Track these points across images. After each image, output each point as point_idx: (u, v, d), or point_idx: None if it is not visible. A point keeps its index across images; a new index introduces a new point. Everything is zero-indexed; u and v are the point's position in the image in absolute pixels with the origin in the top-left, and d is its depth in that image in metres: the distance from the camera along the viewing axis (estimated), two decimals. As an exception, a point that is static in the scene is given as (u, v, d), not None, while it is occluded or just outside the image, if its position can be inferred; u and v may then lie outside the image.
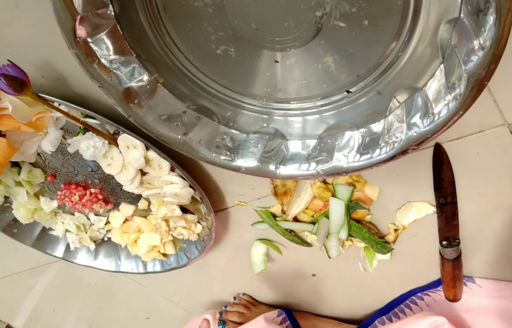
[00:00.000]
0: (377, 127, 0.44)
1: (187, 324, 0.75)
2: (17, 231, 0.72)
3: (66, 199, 0.63)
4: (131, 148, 0.54)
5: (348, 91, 0.44)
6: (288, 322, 0.70)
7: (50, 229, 0.73)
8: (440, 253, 0.60)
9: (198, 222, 0.64)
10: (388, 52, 0.39)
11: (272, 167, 0.48)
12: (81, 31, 0.39)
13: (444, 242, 0.58)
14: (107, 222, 0.70)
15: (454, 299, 0.61)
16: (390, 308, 0.69)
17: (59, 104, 0.50)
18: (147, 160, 0.55)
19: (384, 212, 0.60)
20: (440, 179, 0.54)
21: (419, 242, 0.61)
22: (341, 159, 0.45)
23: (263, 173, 0.48)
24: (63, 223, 0.71)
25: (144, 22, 0.41)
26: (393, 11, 0.36)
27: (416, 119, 0.40)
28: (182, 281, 0.80)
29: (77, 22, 0.38)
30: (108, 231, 0.72)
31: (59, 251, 0.75)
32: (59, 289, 0.91)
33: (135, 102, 0.45)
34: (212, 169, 0.61)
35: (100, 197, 0.64)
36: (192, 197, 0.61)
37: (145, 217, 0.67)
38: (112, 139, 0.55)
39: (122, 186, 0.59)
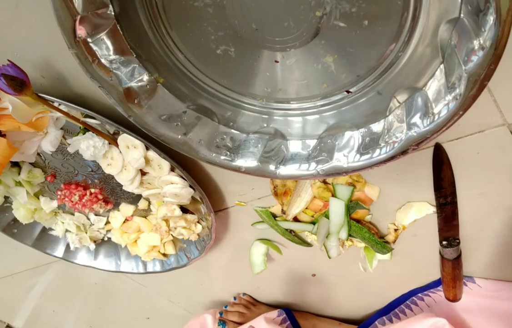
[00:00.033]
0: (377, 127, 0.44)
1: (187, 324, 0.75)
2: (17, 231, 0.72)
3: (66, 199, 0.63)
4: (131, 148, 0.54)
5: (348, 91, 0.44)
6: (288, 322, 0.70)
7: (50, 229, 0.73)
8: (440, 253, 0.60)
9: (198, 222, 0.64)
10: (388, 52, 0.39)
11: (272, 167, 0.48)
12: (81, 31, 0.39)
13: (444, 242, 0.58)
14: (107, 222, 0.70)
15: (454, 299, 0.61)
16: (391, 309, 0.69)
17: (59, 104, 0.50)
18: (147, 161, 0.55)
19: (384, 212, 0.60)
20: (440, 179, 0.54)
21: (419, 242, 0.61)
22: (341, 159, 0.45)
23: (263, 173, 0.48)
24: (63, 223, 0.71)
25: (144, 22, 0.41)
26: (393, 11, 0.36)
27: (416, 119, 0.40)
28: (182, 281, 0.80)
29: (77, 22, 0.38)
30: (108, 231, 0.72)
31: (59, 251, 0.75)
32: (59, 289, 0.91)
33: (135, 102, 0.45)
34: (212, 169, 0.61)
35: (100, 197, 0.64)
36: (192, 197, 0.61)
37: (145, 217, 0.67)
38: (112, 139, 0.55)
39: (122, 186, 0.59)
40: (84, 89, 0.53)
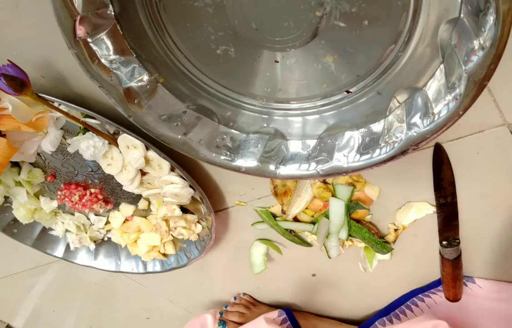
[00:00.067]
0: (377, 127, 0.44)
1: (187, 324, 0.75)
2: (17, 231, 0.72)
3: (66, 199, 0.63)
4: (131, 148, 0.54)
5: (348, 91, 0.44)
6: (289, 322, 0.70)
7: (50, 229, 0.73)
8: (440, 253, 0.60)
9: (198, 222, 0.64)
10: (388, 52, 0.39)
11: (272, 167, 0.48)
12: (81, 31, 0.39)
13: (444, 242, 0.58)
14: (107, 222, 0.70)
15: (454, 299, 0.61)
16: (391, 309, 0.69)
17: (59, 104, 0.50)
18: (147, 161, 0.55)
19: (384, 212, 0.60)
20: (440, 179, 0.54)
21: (419, 242, 0.61)
22: (341, 159, 0.45)
23: (263, 173, 0.48)
24: (63, 223, 0.71)
25: (144, 22, 0.41)
26: (393, 11, 0.36)
27: (416, 119, 0.40)
28: (182, 281, 0.80)
29: (77, 22, 0.38)
30: (108, 231, 0.72)
31: (59, 251, 0.75)
32: (59, 289, 0.91)
33: (135, 102, 0.45)
34: (212, 169, 0.61)
35: (100, 197, 0.64)
36: (192, 197, 0.61)
37: (145, 217, 0.67)
38: (112, 139, 0.55)
39: (122, 186, 0.59)
40: (84, 89, 0.53)
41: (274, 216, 0.63)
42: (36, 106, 0.48)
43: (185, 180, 0.57)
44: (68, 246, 0.75)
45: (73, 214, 0.70)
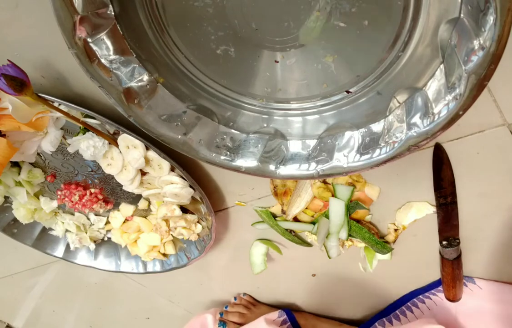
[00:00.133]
0: (377, 127, 0.44)
1: (187, 323, 0.75)
2: (17, 231, 0.72)
3: (66, 199, 0.63)
4: (131, 148, 0.54)
5: (348, 91, 0.44)
6: (289, 323, 0.70)
7: (50, 229, 0.73)
8: (440, 253, 0.60)
9: (198, 222, 0.64)
10: (388, 52, 0.39)
11: (272, 167, 0.48)
12: (81, 31, 0.39)
13: (444, 242, 0.58)
14: (107, 222, 0.70)
15: (454, 299, 0.61)
16: (391, 310, 0.69)
17: (59, 104, 0.50)
18: (147, 161, 0.55)
19: (384, 212, 0.60)
20: (440, 179, 0.54)
21: (419, 242, 0.61)
22: (341, 159, 0.45)
23: (263, 173, 0.48)
24: (63, 223, 0.71)
25: (144, 22, 0.41)
26: (393, 11, 0.36)
27: (416, 119, 0.40)
28: (182, 281, 0.80)
29: (77, 22, 0.38)
30: (108, 231, 0.72)
31: (59, 251, 0.75)
32: (59, 289, 0.91)
33: (135, 102, 0.45)
34: (212, 169, 0.61)
35: (100, 197, 0.64)
36: (192, 197, 0.61)
37: (145, 217, 0.67)
38: (112, 139, 0.55)
39: (122, 186, 0.59)
40: (84, 89, 0.53)
41: (274, 216, 0.63)
42: (36, 106, 0.48)
43: (185, 180, 0.57)
44: (68, 246, 0.75)
45: (73, 214, 0.70)
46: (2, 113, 0.48)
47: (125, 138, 0.53)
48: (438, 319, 0.61)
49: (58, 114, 0.51)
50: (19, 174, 0.63)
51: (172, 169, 0.56)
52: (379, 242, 0.59)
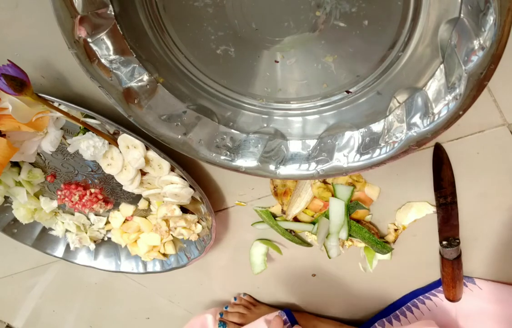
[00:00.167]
0: (377, 127, 0.44)
1: (187, 323, 0.75)
2: (17, 231, 0.72)
3: (66, 199, 0.63)
4: (131, 148, 0.54)
5: (348, 91, 0.44)
6: (289, 323, 0.70)
7: (50, 229, 0.73)
8: (440, 253, 0.60)
9: (198, 222, 0.64)
10: (388, 52, 0.39)
11: (272, 167, 0.48)
12: (81, 31, 0.39)
13: (444, 242, 0.58)
14: (107, 222, 0.70)
15: (454, 299, 0.61)
16: (391, 310, 0.69)
17: (59, 104, 0.50)
18: (147, 161, 0.55)
19: (384, 212, 0.60)
20: (440, 179, 0.54)
21: (419, 242, 0.61)
22: (341, 159, 0.45)
23: (263, 173, 0.48)
24: (63, 223, 0.71)
25: (144, 22, 0.41)
26: (393, 11, 0.36)
27: (416, 119, 0.40)
28: (182, 281, 0.80)
29: (77, 22, 0.38)
30: (108, 231, 0.72)
31: (59, 251, 0.75)
32: (59, 289, 0.91)
33: (135, 102, 0.45)
34: (212, 169, 0.61)
35: (100, 197, 0.64)
36: (192, 197, 0.61)
37: (145, 217, 0.67)
38: (112, 139, 0.55)
39: (122, 186, 0.59)
40: (84, 89, 0.53)
41: (274, 216, 0.63)
42: (36, 106, 0.48)
43: (185, 180, 0.57)
44: (68, 246, 0.75)
45: (73, 214, 0.70)
46: (2, 113, 0.48)
47: (125, 138, 0.53)
48: (438, 321, 0.61)
49: (58, 114, 0.51)
50: (19, 174, 0.63)
51: (172, 169, 0.56)
52: (379, 242, 0.59)
